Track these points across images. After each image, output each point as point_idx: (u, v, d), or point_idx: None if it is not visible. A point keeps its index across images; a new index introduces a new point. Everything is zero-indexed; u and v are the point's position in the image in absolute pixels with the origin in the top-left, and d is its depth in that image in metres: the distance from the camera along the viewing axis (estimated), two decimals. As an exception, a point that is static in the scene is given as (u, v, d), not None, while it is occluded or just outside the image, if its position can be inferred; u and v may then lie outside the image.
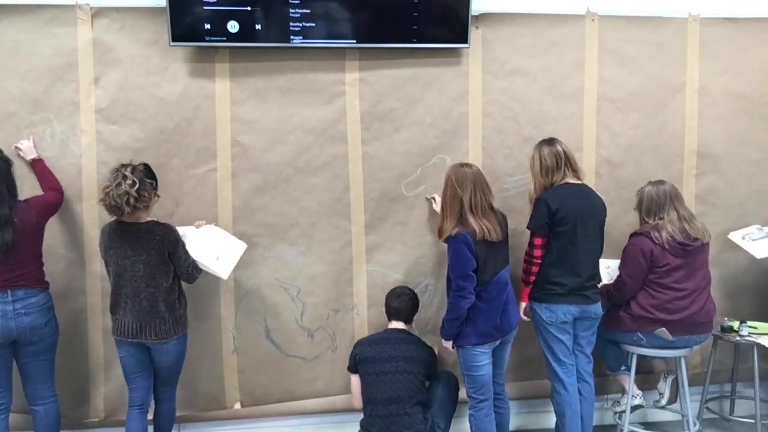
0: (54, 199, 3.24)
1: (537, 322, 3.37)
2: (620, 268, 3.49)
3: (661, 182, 3.49)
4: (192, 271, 3.14)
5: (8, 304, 2.98)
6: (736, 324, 3.71)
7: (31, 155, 3.30)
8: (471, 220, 3.06)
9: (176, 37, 3.30)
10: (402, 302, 3.46)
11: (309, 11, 3.38)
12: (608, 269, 3.63)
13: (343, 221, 3.63)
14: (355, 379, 3.39)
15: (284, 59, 3.49)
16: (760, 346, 3.61)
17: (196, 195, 3.49)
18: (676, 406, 3.79)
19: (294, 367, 3.65)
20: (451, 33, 3.54)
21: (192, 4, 3.29)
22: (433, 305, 3.69)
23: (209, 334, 3.56)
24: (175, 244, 3.08)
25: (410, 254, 3.69)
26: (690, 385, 3.63)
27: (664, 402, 3.76)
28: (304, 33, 3.40)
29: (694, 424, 3.65)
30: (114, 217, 3.07)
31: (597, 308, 3.37)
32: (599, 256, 3.41)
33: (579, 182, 3.35)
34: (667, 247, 3.35)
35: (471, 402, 3.25)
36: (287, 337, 3.63)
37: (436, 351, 3.49)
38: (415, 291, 3.58)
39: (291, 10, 3.36)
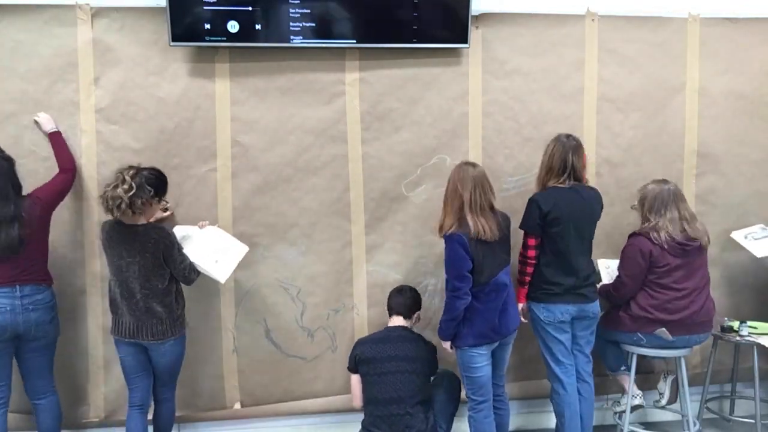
0: (61, 183, 3.23)
1: (535, 322, 3.37)
2: (619, 268, 3.48)
3: (664, 181, 3.49)
4: (189, 273, 3.13)
5: (17, 299, 3.00)
6: (736, 324, 3.71)
7: (48, 127, 3.28)
8: (469, 218, 3.06)
9: (176, 37, 3.30)
10: (402, 297, 3.46)
11: (309, 11, 3.38)
12: (608, 269, 3.64)
13: (343, 221, 3.63)
14: (355, 379, 3.39)
15: (284, 59, 3.49)
16: (760, 346, 3.61)
17: (196, 195, 3.49)
18: (676, 406, 3.79)
19: (294, 367, 3.65)
20: (451, 33, 3.54)
21: (192, 4, 3.29)
22: (434, 305, 3.69)
23: (209, 334, 3.56)
24: (170, 247, 3.07)
25: (410, 254, 3.69)
26: (690, 385, 3.63)
27: (664, 402, 3.76)
28: (304, 33, 3.40)
29: (694, 424, 3.65)
30: None
31: (595, 307, 3.37)
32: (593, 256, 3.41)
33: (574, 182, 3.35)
34: (666, 247, 3.35)
35: (470, 403, 3.25)
36: (287, 337, 3.63)
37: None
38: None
39: (291, 10, 3.36)
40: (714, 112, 3.87)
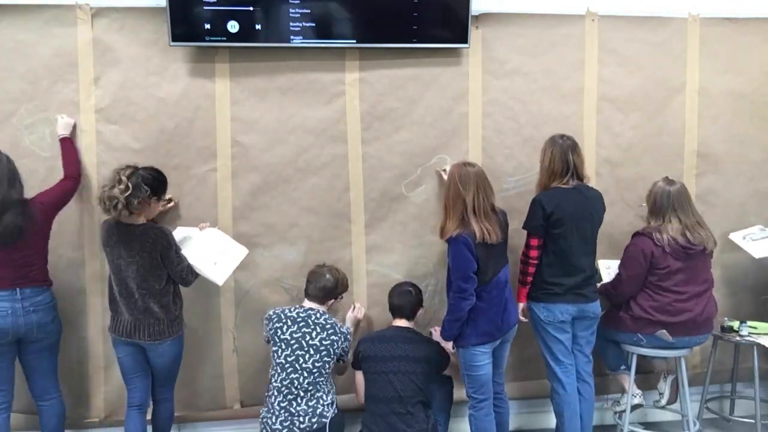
0: (64, 190, 3.22)
1: (535, 321, 3.37)
2: (620, 266, 3.48)
3: (672, 182, 3.47)
4: (186, 275, 3.12)
5: (17, 302, 3.00)
6: (736, 324, 3.71)
7: (62, 132, 3.29)
8: (473, 221, 3.05)
9: (176, 37, 3.30)
10: (404, 299, 3.44)
11: (309, 11, 3.38)
12: (609, 269, 3.63)
13: (343, 221, 3.63)
14: (359, 376, 3.39)
15: (284, 59, 3.49)
16: (760, 346, 3.61)
17: (196, 195, 3.49)
18: (676, 406, 3.79)
19: (294, 367, 3.65)
20: (451, 33, 3.54)
21: (192, 4, 3.30)
22: (434, 305, 3.69)
23: (209, 334, 3.56)
24: (167, 247, 3.06)
25: (410, 254, 3.69)
26: (690, 385, 3.63)
27: (664, 402, 3.76)
28: (304, 33, 3.40)
29: (694, 424, 3.65)
30: None
31: (595, 307, 3.37)
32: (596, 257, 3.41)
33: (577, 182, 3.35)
34: (668, 249, 3.34)
35: (471, 402, 3.25)
36: (287, 337, 3.63)
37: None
38: (416, 290, 3.59)
39: (291, 10, 3.37)
40: (714, 112, 3.87)
